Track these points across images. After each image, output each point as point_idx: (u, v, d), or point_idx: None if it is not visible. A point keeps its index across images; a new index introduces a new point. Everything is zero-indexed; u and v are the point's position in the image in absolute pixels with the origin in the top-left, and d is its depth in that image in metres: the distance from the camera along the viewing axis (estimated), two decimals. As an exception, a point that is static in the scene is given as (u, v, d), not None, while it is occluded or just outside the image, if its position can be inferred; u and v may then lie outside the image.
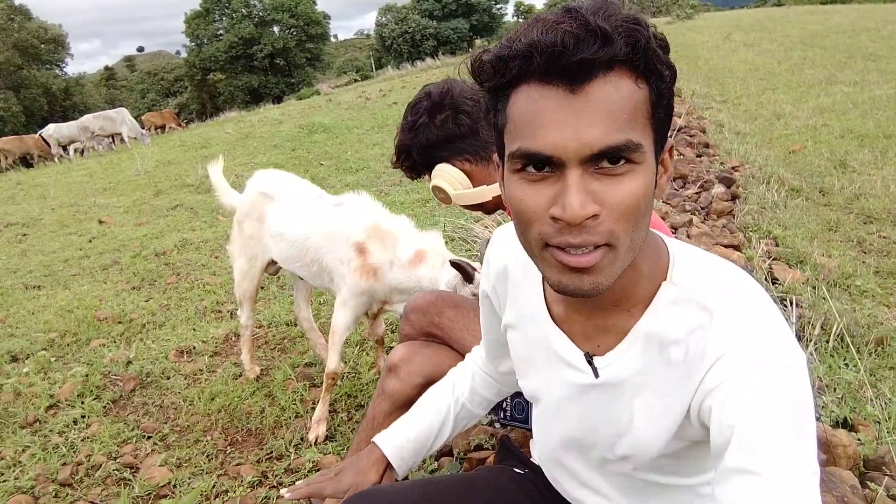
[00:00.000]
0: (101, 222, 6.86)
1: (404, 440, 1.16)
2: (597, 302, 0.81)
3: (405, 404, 1.51)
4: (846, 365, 2.22)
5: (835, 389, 2.07)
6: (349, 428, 2.31)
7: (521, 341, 0.96)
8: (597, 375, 0.84)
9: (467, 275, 1.89)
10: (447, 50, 38.87)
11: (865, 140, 5.84)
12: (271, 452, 2.23)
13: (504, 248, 0.98)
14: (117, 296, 4.25)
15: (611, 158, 0.67)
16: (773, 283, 2.88)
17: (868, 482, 1.60)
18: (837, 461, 1.66)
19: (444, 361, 1.48)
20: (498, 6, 45.65)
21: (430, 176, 1.68)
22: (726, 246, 3.23)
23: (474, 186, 1.61)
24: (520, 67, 0.68)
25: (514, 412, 1.58)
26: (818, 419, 1.80)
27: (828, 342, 2.32)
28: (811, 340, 2.32)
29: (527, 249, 0.75)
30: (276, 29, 40.49)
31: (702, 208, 4.03)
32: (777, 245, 3.40)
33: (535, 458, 1.16)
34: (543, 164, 0.68)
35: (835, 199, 4.38)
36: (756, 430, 0.67)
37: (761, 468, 0.65)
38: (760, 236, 3.51)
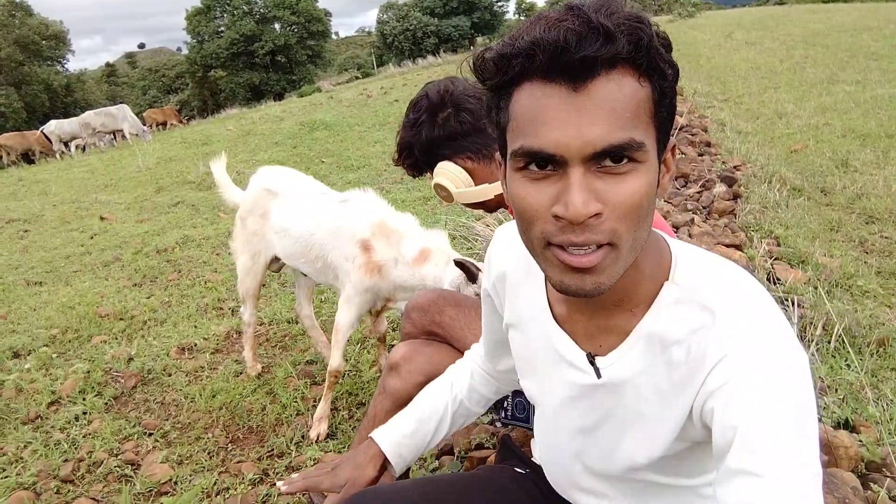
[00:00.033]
0: (102, 219, 6.86)
1: (402, 437, 1.17)
2: (599, 302, 0.81)
3: (406, 403, 1.50)
4: (847, 366, 2.22)
5: (836, 390, 2.07)
6: (350, 426, 2.31)
7: (522, 341, 0.96)
8: (599, 376, 0.84)
9: (471, 274, 1.89)
10: (448, 47, 38.85)
11: (867, 139, 5.83)
12: (272, 450, 2.23)
13: (506, 247, 0.98)
14: (119, 292, 4.25)
15: (613, 157, 0.67)
16: (775, 283, 2.88)
17: (870, 483, 1.60)
18: (839, 462, 1.66)
19: (446, 360, 1.48)
20: (499, 4, 45.67)
21: (431, 174, 1.68)
22: (728, 245, 3.22)
23: (476, 184, 1.61)
24: (522, 65, 0.68)
25: (515, 411, 1.59)
26: (820, 420, 1.80)
27: (829, 343, 2.32)
28: (813, 341, 2.32)
29: (529, 248, 0.75)
30: (277, 26, 40.45)
31: (703, 207, 4.02)
32: (779, 245, 3.39)
33: (537, 457, 1.16)
34: (546, 163, 0.68)
35: (837, 198, 4.38)
36: (759, 431, 0.67)
37: (764, 469, 0.65)
38: (762, 236, 3.50)
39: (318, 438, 2.24)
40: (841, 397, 2.03)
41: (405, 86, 16.89)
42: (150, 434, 2.42)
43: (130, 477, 2.15)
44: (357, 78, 34.18)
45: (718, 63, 12.43)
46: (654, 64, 0.67)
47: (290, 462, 2.13)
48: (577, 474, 0.97)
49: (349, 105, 14.53)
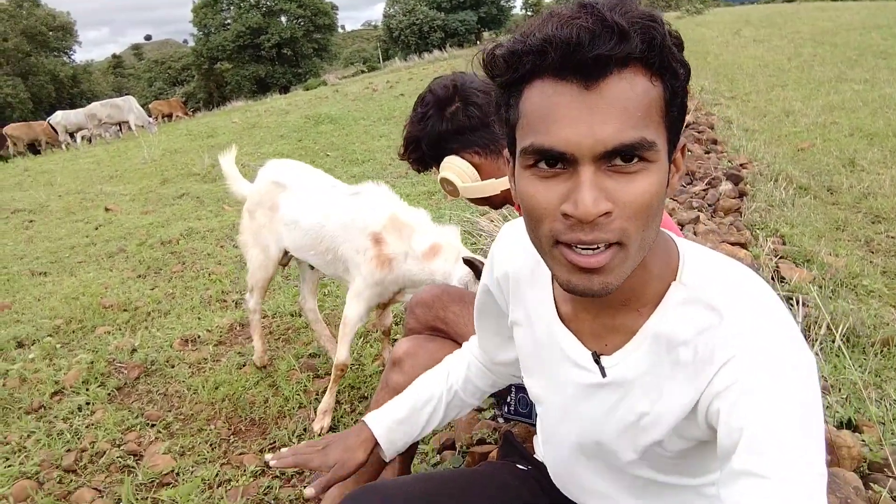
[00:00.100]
0: (107, 210, 6.87)
1: (394, 423, 1.17)
2: (605, 301, 0.80)
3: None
4: (851, 365, 2.21)
5: (839, 390, 2.06)
6: (352, 419, 2.32)
7: (527, 339, 0.96)
8: (604, 375, 0.84)
9: (479, 272, 1.89)
10: (455, 42, 38.77)
11: (875, 139, 5.80)
12: (274, 442, 2.24)
13: (512, 244, 0.98)
14: (123, 283, 4.26)
15: (624, 156, 0.66)
16: (780, 282, 2.87)
17: (871, 483, 1.60)
18: (841, 462, 1.65)
19: (449, 357, 1.48)
20: (507, -2, 45.44)
21: (437, 168, 1.67)
22: (733, 244, 3.21)
23: (483, 180, 1.61)
24: (533, 63, 0.67)
25: (518, 406, 1.58)
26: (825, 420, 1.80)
27: (833, 342, 2.31)
28: (817, 340, 2.31)
29: (537, 246, 0.75)
30: (283, 19, 40.40)
31: (709, 205, 4.01)
32: (784, 243, 3.38)
33: (539, 454, 1.16)
34: (556, 161, 0.68)
35: (843, 197, 4.35)
36: (765, 432, 0.66)
37: (769, 471, 0.65)
38: (767, 234, 3.49)
39: (321, 431, 2.24)
40: (844, 397, 2.02)
41: (411, 80, 16.86)
42: (153, 425, 2.43)
43: (132, 467, 2.16)
44: (363, 72, 34.16)
45: (726, 60, 12.37)
46: (666, 63, 0.67)
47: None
48: (579, 472, 0.97)
49: (355, 99, 14.51)
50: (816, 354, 2.24)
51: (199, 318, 3.46)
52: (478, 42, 38.92)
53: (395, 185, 6.08)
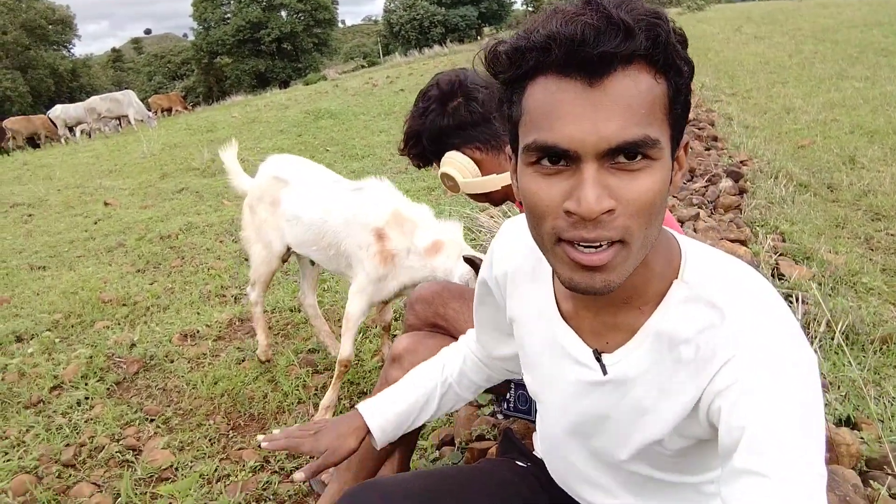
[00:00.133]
0: (106, 204, 6.87)
1: (387, 412, 1.17)
2: (607, 299, 0.80)
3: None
4: (850, 363, 2.21)
5: (838, 387, 2.06)
6: (351, 415, 2.31)
7: (528, 336, 0.96)
8: (605, 373, 0.83)
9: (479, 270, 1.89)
10: (455, 37, 38.66)
11: (875, 136, 5.79)
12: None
13: (513, 240, 0.97)
14: (122, 278, 4.26)
15: (627, 154, 0.66)
16: (780, 279, 2.87)
17: (870, 481, 1.60)
18: (840, 460, 1.65)
19: (449, 353, 1.48)
20: (507, -6, 45.34)
21: (437, 164, 1.67)
22: (733, 241, 3.21)
23: (483, 175, 1.60)
24: (537, 59, 0.67)
25: (517, 403, 1.58)
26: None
27: (832, 339, 2.31)
28: (816, 338, 2.31)
29: (539, 244, 0.74)
30: (283, 13, 40.30)
31: (709, 202, 4.00)
32: (784, 241, 3.38)
33: (538, 451, 1.16)
34: (559, 158, 0.68)
35: (843, 195, 4.35)
36: (766, 431, 0.66)
37: (770, 470, 0.65)
38: (767, 231, 3.48)
39: None
40: (843, 394, 2.02)
41: (411, 75, 16.82)
42: (152, 420, 2.43)
43: (131, 462, 2.16)
44: (363, 67, 34.04)
45: (727, 57, 12.35)
46: (670, 61, 0.67)
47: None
48: (578, 469, 0.97)
49: (354, 94, 14.48)
50: (816, 352, 2.24)
51: (199, 313, 3.46)
52: (478, 37, 38.86)
53: (394, 181, 6.05)
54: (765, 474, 0.65)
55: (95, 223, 6.12)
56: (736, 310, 0.73)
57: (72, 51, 40.31)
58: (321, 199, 2.33)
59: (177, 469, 2.10)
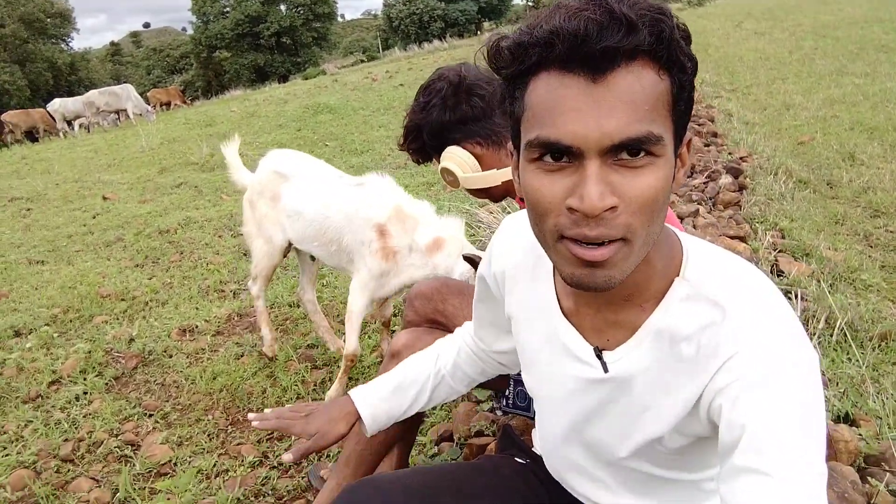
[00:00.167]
0: (105, 199, 6.85)
1: (379, 400, 1.18)
2: (608, 296, 0.80)
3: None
4: (849, 359, 2.21)
5: (837, 384, 2.06)
6: (350, 410, 2.31)
7: (528, 333, 0.96)
8: (606, 370, 0.83)
9: None
10: (455, 32, 38.60)
11: (875, 133, 5.78)
12: (272, 433, 2.23)
13: (514, 236, 0.97)
14: (120, 273, 4.26)
15: (630, 150, 0.66)
16: (779, 276, 2.87)
17: (868, 478, 1.60)
18: (838, 456, 1.65)
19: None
20: (507, -12, 45.20)
21: (437, 159, 1.66)
22: (732, 237, 3.20)
23: (484, 170, 1.60)
24: (540, 55, 0.66)
25: (516, 400, 1.58)
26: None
27: (831, 336, 2.31)
28: (815, 334, 2.31)
29: (540, 241, 0.74)
30: (282, 7, 40.17)
31: (709, 198, 3.99)
32: (783, 237, 3.38)
33: (537, 448, 1.16)
34: (561, 154, 0.67)
35: (842, 191, 4.35)
36: (766, 430, 0.66)
37: (770, 469, 0.64)
38: (767, 228, 3.48)
39: None
40: (842, 391, 2.02)
41: (410, 70, 16.79)
42: (151, 415, 2.43)
43: (130, 457, 2.16)
44: (362, 61, 34.01)
45: (727, 53, 12.32)
46: (674, 57, 0.66)
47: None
48: (578, 466, 0.97)
49: (354, 89, 14.45)
50: (815, 348, 2.24)
51: (197, 308, 3.46)
52: (478, 32, 38.77)
53: (393, 176, 6.06)
54: (765, 473, 0.64)
55: (94, 217, 6.10)
56: (737, 308, 0.73)
57: (70, 44, 40.20)
58: (322, 195, 2.32)
59: (175, 464, 2.10)
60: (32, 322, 3.42)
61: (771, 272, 2.91)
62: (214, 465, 2.07)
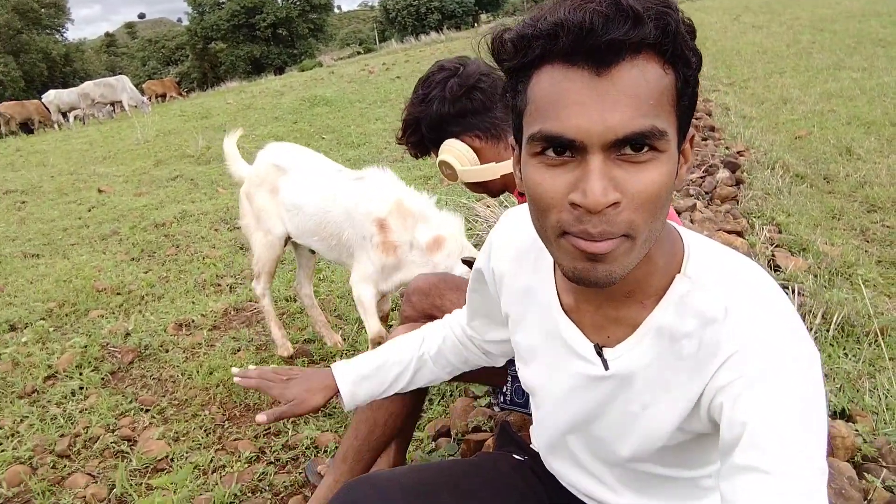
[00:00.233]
0: (100, 191, 6.83)
1: (360, 377, 1.19)
2: (609, 293, 0.79)
3: (405, 386, 1.51)
4: (846, 355, 2.22)
5: (834, 379, 2.07)
6: (347, 406, 2.31)
7: (527, 329, 0.95)
8: (606, 368, 0.83)
9: None
10: (452, 24, 38.41)
11: (872, 127, 5.79)
12: (269, 428, 2.23)
13: (515, 230, 0.96)
14: (116, 266, 4.24)
15: (634, 145, 0.65)
16: (775, 271, 2.87)
17: (865, 474, 1.60)
18: (835, 452, 1.66)
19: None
20: (504, -20, 45.02)
21: (435, 152, 1.66)
22: (729, 232, 3.20)
23: (482, 164, 1.59)
24: (544, 47, 0.65)
25: (514, 396, 1.58)
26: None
27: (828, 331, 2.31)
28: (811, 329, 2.31)
29: (542, 236, 0.73)
30: (279, -2, 39.98)
31: (706, 193, 3.99)
32: (780, 232, 3.38)
33: (535, 444, 1.16)
34: (564, 149, 0.66)
35: (839, 186, 4.35)
36: (767, 427, 0.66)
37: (772, 467, 0.64)
38: (764, 222, 3.48)
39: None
40: (838, 386, 2.03)
41: (407, 62, 16.72)
42: (147, 410, 2.42)
43: (126, 453, 2.16)
44: (359, 53, 33.86)
45: (725, 46, 12.30)
46: (679, 51, 0.66)
47: (287, 441, 2.13)
48: (576, 463, 0.97)
49: (350, 81, 14.39)
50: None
51: (194, 303, 3.45)
52: (475, 24, 38.62)
53: (391, 170, 6.05)
54: (766, 470, 0.64)
55: (89, 211, 6.08)
56: (739, 306, 0.73)
57: (65, 35, 40.01)
58: (322, 189, 2.31)
59: (172, 460, 2.10)
60: (28, 316, 3.40)
61: (768, 267, 2.91)
62: (211, 461, 2.06)
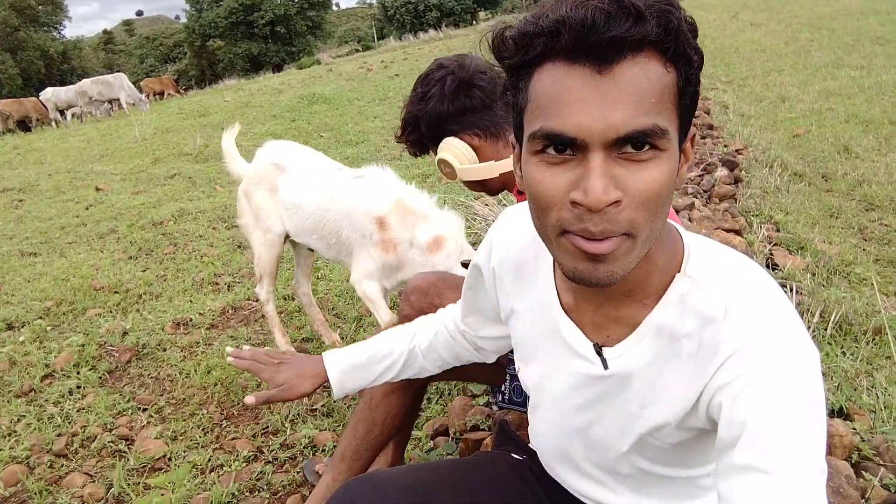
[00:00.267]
0: (98, 189, 6.81)
1: (349, 367, 1.21)
2: (609, 292, 0.79)
3: (404, 384, 1.50)
4: (843, 353, 2.22)
5: (832, 378, 2.07)
6: (345, 404, 2.31)
7: (527, 328, 0.95)
8: (606, 367, 0.83)
9: None
10: (450, 22, 38.38)
11: (870, 125, 5.78)
12: (267, 427, 2.23)
13: (515, 228, 0.96)
14: (114, 265, 4.23)
15: (635, 143, 0.65)
16: (773, 269, 2.87)
17: (863, 472, 1.61)
18: (833, 451, 1.66)
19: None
20: (503, -22, 44.95)
21: (434, 151, 1.65)
22: (727, 230, 3.20)
23: (481, 162, 1.59)
24: (545, 44, 0.65)
25: (512, 395, 1.58)
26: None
27: (826, 330, 2.31)
28: (809, 328, 2.31)
29: (542, 235, 0.73)
30: (276, -5, 39.89)
31: (704, 191, 3.99)
32: (778, 230, 3.38)
33: (533, 444, 1.16)
34: (565, 147, 0.66)
35: (837, 184, 4.35)
36: (767, 427, 0.66)
37: (771, 466, 0.64)
38: (762, 221, 3.48)
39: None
40: (836, 385, 2.03)
41: (406, 60, 16.70)
42: (145, 409, 2.42)
43: (124, 452, 2.15)
44: (357, 51, 33.83)
45: (723, 44, 12.30)
46: (681, 49, 0.65)
47: (285, 440, 2.13)
48: (575, 463, 0.97)
49: (349, 78, 14.37)
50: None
51: (191, 301, 3.44)
52: (474, 22, 38.60)
53: (390, 168, 6.04)
54: (766, 470, 0.64)
55: (87, 209, 6.07)
56: (739, 305, 0.73)
57: (62, 32, 39.90)
58: (321, 187, 2.31)
59: (170, 459, 2.10)
60: (25, 315, 3.40)
61: (766, 266, 2.91)
62: (209, 460, 2.06)
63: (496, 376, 1.53)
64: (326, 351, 1.23)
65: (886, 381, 2.05)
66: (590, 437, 0.91)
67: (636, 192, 0.65)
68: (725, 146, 5.08)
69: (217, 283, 3.71)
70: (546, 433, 1.00)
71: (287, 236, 2.53)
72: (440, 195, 4.33)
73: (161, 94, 21.71)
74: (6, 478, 2.01)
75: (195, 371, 2.63)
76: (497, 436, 1.29)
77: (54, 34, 38.60)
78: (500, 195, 2.30)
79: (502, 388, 1.59)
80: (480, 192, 1.72)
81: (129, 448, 2.17)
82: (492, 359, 1.24)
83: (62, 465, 2.11)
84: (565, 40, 0.64)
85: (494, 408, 2.03)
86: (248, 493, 1.90)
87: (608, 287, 0.71)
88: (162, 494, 1.86)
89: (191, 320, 3.17)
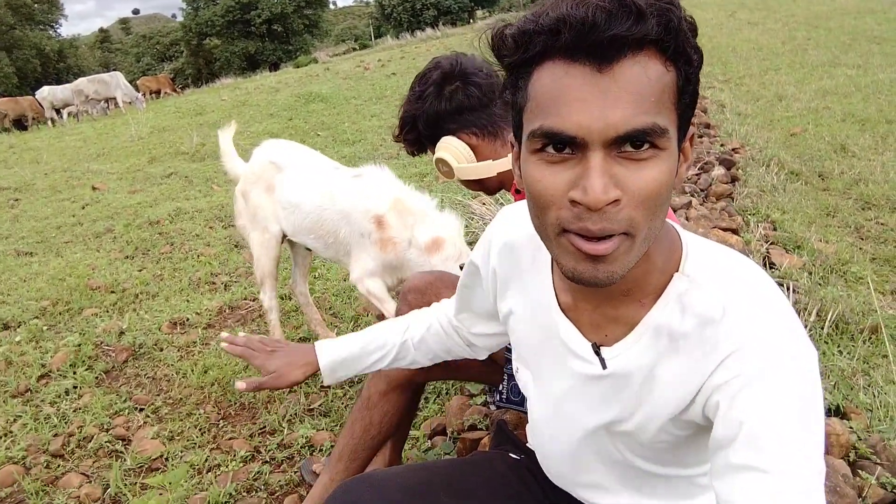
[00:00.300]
0: (94, 189, 6.79)
1: (341, 358, 1.21)
2: (607, 292, 0.79)
3: (401, 384, 1.51)
4: (840, 352, 2.23)
5: (828, 376, 2.08)
6: (343, 403, 2.31)
7: (525, 328, 0.95)
8: (604, 366, 0.83)
9: None
10: (448, 20, 38.36)
11: (867, 124, 5.80)
12: (264, 427, 2.23)
13: (512, 227, 0.96)
14: (110, 264, 4.22)
15: (634, 142, 0.65)
16: (770, 268, 2.87)
17: (859, 471, 1.61)
18: (830, 450, 1.66)
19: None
20: (500, -23, 44.90)
21: (432, 150, 1.65)
22: (724, 229, 3.20)
23: (479, 161, 1.59)
24: (545, 43, 0.65)
25: (510, 395, 1.58)
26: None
27: (822, 329, 2.32)
28: (806, 327, 2.32)
29: (541, 234, 0.73)
30: (273, -6, 39.80)
31: (701, 190, 3.99)
32: (775, 229, 3.38)
33: (531, 443, 1.16)
34: (564, 145, 0.66)
35: (834, 183, 4.36)
36: (764, 425, 0.66)
37: (770, 466, 0.64)
38: (759, 220, 3.49)
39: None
40: (833, 384, 2.03)
41: (403, 59, 16.69)
42: (141, 409, 2.41)
43: (121, 452, 2.15)
44: (354, 49, 33.80)
45: (720, 43, 12.31)
46: (681, 48, 0.65)
47: (282, 439, 2.13)
48: (571, 461, 0.96)
49: (346, 77, 14.36)
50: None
51: (188, 301, 3.43)
52: (471, 21, 38.58)
53: (387, 167, 6.03)
54: (764, 469, 0.64)
55: (83, 208, 6.05)
56: (737, 305, 0.73)
57: (58, 31, 39.79)
58: (319, 187, 2.30)
59: (167, 459, 2.09)
60: (21, 315, 3.39)
61: (763, 264, 2.91)
62: (206, 460, 2.05)
63: (494, 376, 1.53)
64: (318, 340, 1.24)
65: (883, 380, 2.05)
66: (586, 435, 0.91)
67: (635, 191, 0.65)
68: (722, 145, 5.09)
69: (214, 283, 3.71)
70: (543, 432, 1.00)
71: (284, 236, 2.52)
72: (437, 194, 4.33)
73: (157, 92, 21.66)
74: (2, 478, 2.01)
75: (192, 371, 2.62)
76: (495, 435, 1.29)
77: (50, 32, 38.52)
78: (497, 194, 2.30)
79: (500, 388, 1.59)
80: (478, 191, 1.72)
81: (125, 448, 2.17)
82: (483, 355, 1.24)
83: (59, 466, 2.10)
84: (566, 39, 0.63)
85: (492, 407, 2.03)
86: (245, 493, 1.90)
87: (607, 287, 0.71)
88: (159, 494, 1.86)
89: (187, 320, 3.17)
